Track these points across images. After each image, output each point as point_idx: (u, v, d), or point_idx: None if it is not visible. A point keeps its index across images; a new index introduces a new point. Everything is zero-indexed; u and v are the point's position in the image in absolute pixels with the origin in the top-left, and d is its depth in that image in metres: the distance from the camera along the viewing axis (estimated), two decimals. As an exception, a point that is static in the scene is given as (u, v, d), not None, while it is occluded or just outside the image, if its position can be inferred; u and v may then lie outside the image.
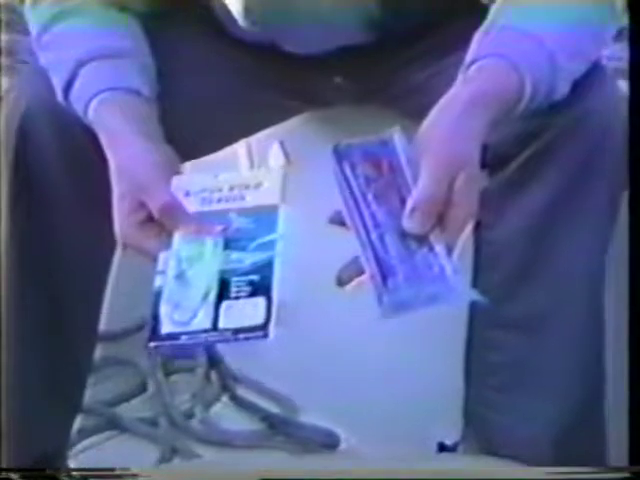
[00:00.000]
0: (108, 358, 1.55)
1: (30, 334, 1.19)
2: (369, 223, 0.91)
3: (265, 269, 0.91)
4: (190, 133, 1.14)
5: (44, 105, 1.11)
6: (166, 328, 0.90)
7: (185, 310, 0.90)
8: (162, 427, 1.50)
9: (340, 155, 0.95)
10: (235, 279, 0.91)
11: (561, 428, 1.08)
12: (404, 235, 0.91)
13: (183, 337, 0.89)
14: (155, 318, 0.91)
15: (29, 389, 1.20)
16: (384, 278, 0.89)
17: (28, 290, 1.18)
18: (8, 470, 1.15)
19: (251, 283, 0.90)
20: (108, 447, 1.47)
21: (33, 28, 1.14)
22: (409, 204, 0.91)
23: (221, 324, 0.89)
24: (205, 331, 0.89)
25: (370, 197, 0.93)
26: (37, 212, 1.14)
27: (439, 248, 0.90)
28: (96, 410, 1.49)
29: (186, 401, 1.56)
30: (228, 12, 1.22)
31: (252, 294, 0.90)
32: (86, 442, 1.45)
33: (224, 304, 0.90)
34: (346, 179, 0.94)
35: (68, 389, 1.24)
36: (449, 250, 0.91)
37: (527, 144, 1.05)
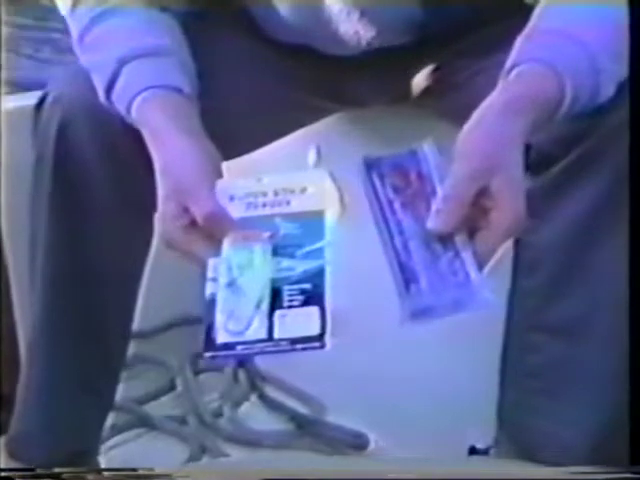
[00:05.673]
0: (137, 356, 1.55)
1: (64, 332, 1.20)
2: (394, 230, 0.92)
3: (316, 278, 0.90)
4: (227, 133, 1.14)
5: (84, 106, 1.11)
6: (221, 338, 0.89)
7: (239, 319, 0.89)
8: (191, 425, 1.50)
9: (370, 166, 0.96)
10: (287, 287, 0.90)
11: (601, 433, 1.07)
12: (430, 242, 0.91)
13: (239, 347, 0.88)
14: (210, 327, 0.89)
15: (62, 387, 1.21)
16: (407, 284, 0.89)
17: (64, 288, 1.18)
18: (8, 470, 1.15)
19: (303, 292, 0.90)
20: (138, 445, 1.47)
21: (74, 30, 1.15)
22: (435, 205, 0.91)
23: (276, 334, 0.88)
24: (261, 341, 0.88)
25: (397, 205, 0.93)
26: (75, 210, 1.15)
27: (465, 254, 0.90)
28: (126, 407, 1.50)
29: (215, 400, 1.56)
30: (264, 13, 1.22)
31: (305, 303, 0.89)
32: (116, 439, 1.46)
33: (277, 313, 0.89)
34: (373, 188, 0.95)
35: (101, 387, 1.25)
36: (486, 256, 0.91)
37: (573, 147, 1.04)
